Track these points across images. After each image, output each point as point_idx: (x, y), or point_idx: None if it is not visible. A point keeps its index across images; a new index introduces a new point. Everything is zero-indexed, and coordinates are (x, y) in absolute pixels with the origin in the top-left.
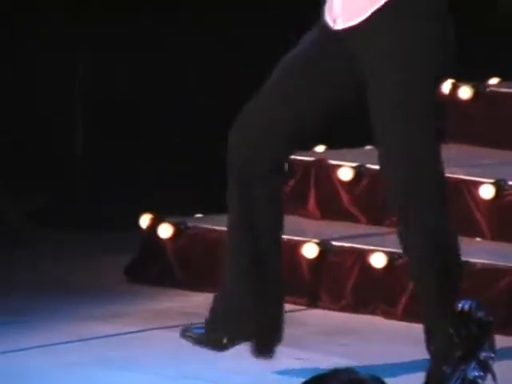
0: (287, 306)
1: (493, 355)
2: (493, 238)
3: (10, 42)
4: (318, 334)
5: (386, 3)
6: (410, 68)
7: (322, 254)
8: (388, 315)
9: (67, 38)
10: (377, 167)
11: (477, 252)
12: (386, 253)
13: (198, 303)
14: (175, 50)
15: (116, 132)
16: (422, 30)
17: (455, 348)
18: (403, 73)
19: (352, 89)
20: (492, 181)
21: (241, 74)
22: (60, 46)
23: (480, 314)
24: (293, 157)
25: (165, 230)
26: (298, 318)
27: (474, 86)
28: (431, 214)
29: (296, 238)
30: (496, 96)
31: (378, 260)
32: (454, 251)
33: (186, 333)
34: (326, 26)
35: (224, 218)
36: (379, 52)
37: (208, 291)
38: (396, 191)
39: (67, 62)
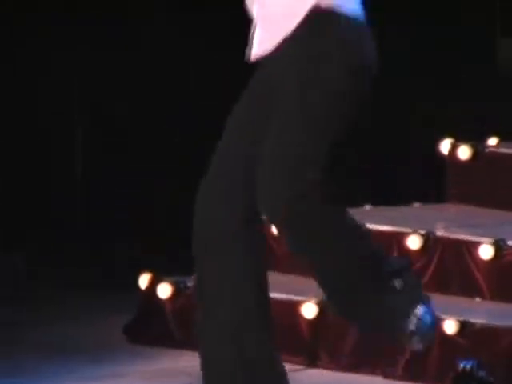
0: (286, 366)
1: None
2: (492, 298)
3: (9, 41)
4: None
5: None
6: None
7: (321, 313)
8: (388, 375)
9: (67, 37)
10: (376, 227)
11: (476, 312)
12: None
13: (199, 363)
14: (175, 49)
15: (116, 132)
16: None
17: None
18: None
19: None
20: (491, 241)
21: (241, 74)
22: (60, 46)
23: (481, 373)
24: None
25: (164, 290)
26: (297, 377)
27: (472, 146)
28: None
29: (295, 298)
30: (495, 157)
31: None
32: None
33: None
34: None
35: None
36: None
37: None
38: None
39: (67, 62)
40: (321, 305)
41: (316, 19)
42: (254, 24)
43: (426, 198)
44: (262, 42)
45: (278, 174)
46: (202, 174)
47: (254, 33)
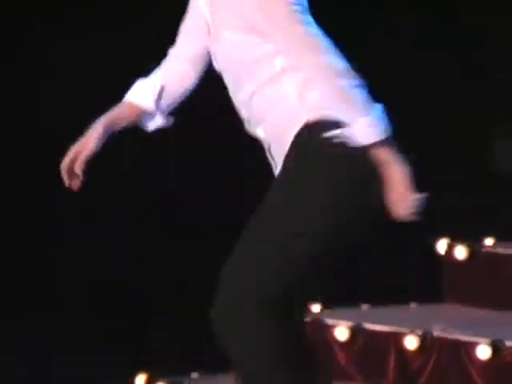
0: None
1: None
2: None
3: (9, 41)
4: None
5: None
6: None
7: None
8: None
9: (67, 37)
10: (373, 327)
11: None
12: None
13: None
14: None
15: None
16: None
17: None
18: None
19: None
20: (488, 341)
21: None
22: (60, 46)
23: None
24: None
25: None
26: None
27: (469, 246)
28: None
29: None
30: (492, 257)
31: None
32: None
33: None
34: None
35: (222, 378)
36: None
37: None
38: None
39: (67, 62)
40: None
41: (312, 134)
42: (265, 143)
43: (423, 298)
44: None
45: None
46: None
47: (269, 149)
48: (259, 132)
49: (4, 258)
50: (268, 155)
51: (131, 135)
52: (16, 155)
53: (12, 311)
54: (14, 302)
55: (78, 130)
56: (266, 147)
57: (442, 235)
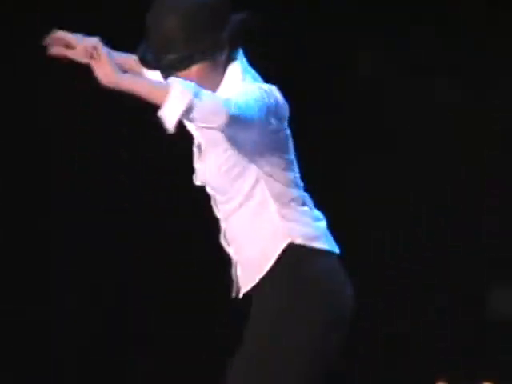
0: None
1: None
2: None
3: (9, 41)
4: None
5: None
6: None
7: None
8: None
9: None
10: None
11: None
12: None
13: None
14: None
15: (115, 131)
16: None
17: None
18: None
19: None
20: None
21: None
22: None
23: None
24: None
25: None
26: None
27: None
28: None
29: None
30: None
31: None
32: None
33: None
34: None
35: None
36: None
37: None
38: None
39: (67, 62)
40: None
41: (290, 256)
42: (233, 261)
43: None
44: (244, 282)
45: None
46: None
47: (235, 270)
48: (230, 250)
49: (4, 258)
50: (233, 275)
51: (133, 139)
52: (16, 155)
53: (12, 311)
54: (14, 302)
55: (78, 130)
56: (233, 268)
57: (440, 377)
